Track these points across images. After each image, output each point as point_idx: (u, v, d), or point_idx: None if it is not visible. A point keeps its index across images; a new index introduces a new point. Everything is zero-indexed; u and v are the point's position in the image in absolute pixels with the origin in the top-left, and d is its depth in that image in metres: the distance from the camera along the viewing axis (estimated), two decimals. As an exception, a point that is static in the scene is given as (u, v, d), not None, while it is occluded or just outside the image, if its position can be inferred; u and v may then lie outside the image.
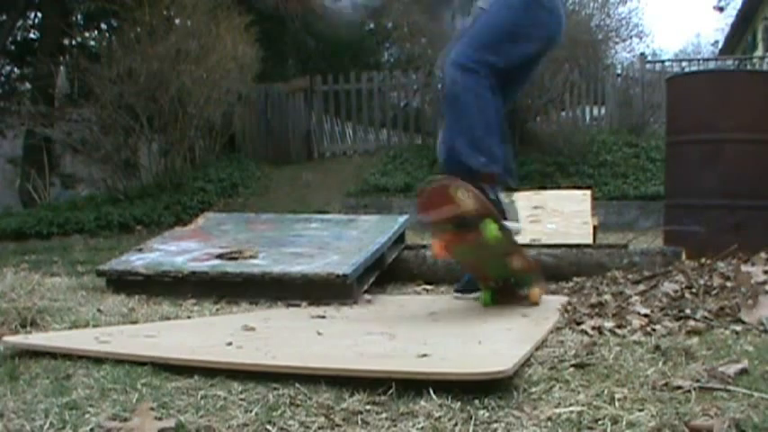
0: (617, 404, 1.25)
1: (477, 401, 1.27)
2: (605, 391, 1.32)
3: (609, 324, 2.02)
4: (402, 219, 3.59)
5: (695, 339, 1.79)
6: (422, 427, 1.17)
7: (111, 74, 7.68)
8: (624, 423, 1.15)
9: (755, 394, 1.27)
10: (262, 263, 3.00)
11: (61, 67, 9.73)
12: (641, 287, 2.53)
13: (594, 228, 4.33)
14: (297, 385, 1.36)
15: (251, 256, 3.09)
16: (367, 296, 2.95)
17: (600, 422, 1.17)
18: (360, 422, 1.20)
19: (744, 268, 2.45)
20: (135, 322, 2.31)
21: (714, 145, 3.92)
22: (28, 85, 10.80)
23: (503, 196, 2.47)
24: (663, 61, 12.81)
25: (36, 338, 1.78)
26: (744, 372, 1.42)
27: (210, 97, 8.05)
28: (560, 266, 3.32)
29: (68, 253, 5.36)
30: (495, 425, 1.18)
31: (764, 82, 4.19)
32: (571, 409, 1.23)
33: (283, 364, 1.43)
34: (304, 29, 12.15)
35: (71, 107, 8.80)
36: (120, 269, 3.01)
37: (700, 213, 3.87)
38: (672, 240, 3.89)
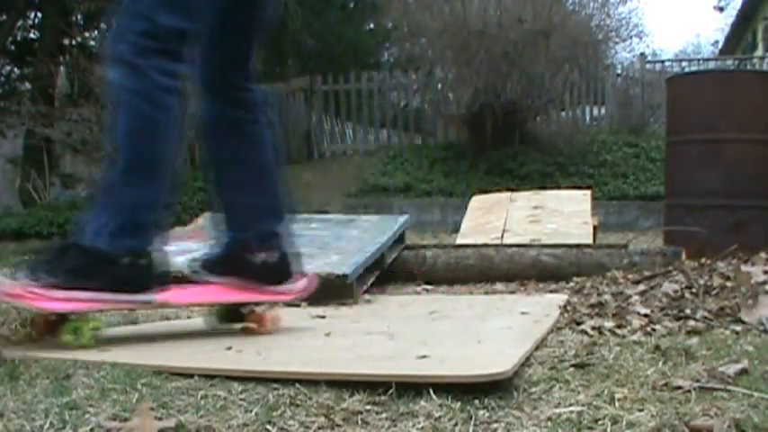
0: (617, 404, 1.25)
1: (477, 401, 1.27)
2: (605, 391, 1.32)
3: (609, 324, 2.02)
4: (402, 219, 3.59)
5: (695, 339, 1.79)
6: (422, 427, 1.17)
7: (111, 74, 7.67)
8: (624, 423, 1.15)
9: (755, 394, 1.27)
10: (262, 263, 2.99)
11: (61, 67, 9.74)
12: (641, 287, 2.54)
13: (594, 228, 4.33)
14: (297, 385, 1.36)
15: (251, 256, 3.08)
16: (367, 296, 2.95)
17: (600, 422, 1.16)
18: (360, 422, 1.20)
19: (744, 268, 2.45)
20: (134, 322, 2.31)
21: (714, 145, 3.93)
22: (28, 85, 10.80)
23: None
24: (663, 61, 12.83)
25: (34, 350, 1.77)
26: (744, 372, 1.42)
27: (210, 97, 8.04)
28: (560, 266, 3.32)
29: (68, 253, 5.36)
30: (495, 425, 1.18)
31: (764, 82, 4.20)
32: (571, 409, 1.23)
33: (282, 369, 1.43)
34: (304, 29, 12.15)
35: (71, 107, 8.80)
36: (120, 269, 3.01)
37: (700, 213, 3.88)
38: (672, 240, 3.89)
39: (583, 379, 1.43)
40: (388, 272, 3.30)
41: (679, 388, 1.33)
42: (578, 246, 3.48)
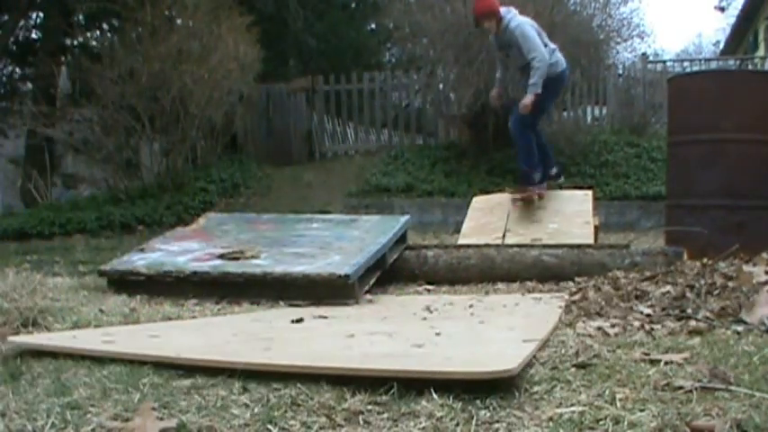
0: (618, 404, 1.25)
1: (478, 401, 1.27)
2: (607, 392, 1.32)
3: (610, 324, 2.02)
4: (404, 219, 3.59)
5: (697, 339, 1.79)
6: (423, 427, 1.17)
7: (112, 74, 7.68)
8: (626, 423, 1.15)
9: (757, 394, 1.27)
10: (263, 263, 3.00)
11: (63, 68, 9.74)
12: (643, 287, 2.53)
13: (596, 228, 4.33)
14: (298, 385, 1.36)
15: (252, 257, 3.09)
16: (368, 296, 2.95)
17: (601, 422, 1.16)
18: (361, 422, 1.21)
19: (745, 268, 2.45)
20: (137, 322, 2.31)
21: (715, 145, 3.92)
22: (30, 86, 10.80)
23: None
24: (664, 61, 12.80)
25: (40, 338, 1.78)
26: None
27: (212, 97, 8.05)
28: (562, 266, 3.32)
29: (70, 253, 5.37)
30: (496, 425, 1.18)
31: (766, 82, 4.19)
32: (573, 409, 1.23)
33: (288, 363, 1.43)
34: (305, 29, 12.15)
35: (73, 107, 8.80)
36: (121, 269, 3.02)
37: (701, 213, 3.87)
38: (673, 241, 3.89)
39: (584, 379, 1.43)
40: (389, 272, 3.30)
41: (680, 388, 1.33)
42: (580, 246, 3.47)
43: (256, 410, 1.25)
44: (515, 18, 4.79)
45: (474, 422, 1.18)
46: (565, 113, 10.08)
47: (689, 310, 2.12)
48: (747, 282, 2.25)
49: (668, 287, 2.43)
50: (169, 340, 1.80)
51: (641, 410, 1.21)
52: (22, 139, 9.88)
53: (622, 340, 1.81)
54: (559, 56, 4.92)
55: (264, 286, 2.84)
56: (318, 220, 3.85)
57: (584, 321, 2.10)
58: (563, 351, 1.70)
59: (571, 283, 3.04)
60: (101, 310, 2.48)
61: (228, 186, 8.76)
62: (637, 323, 2.02)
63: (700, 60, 14.31)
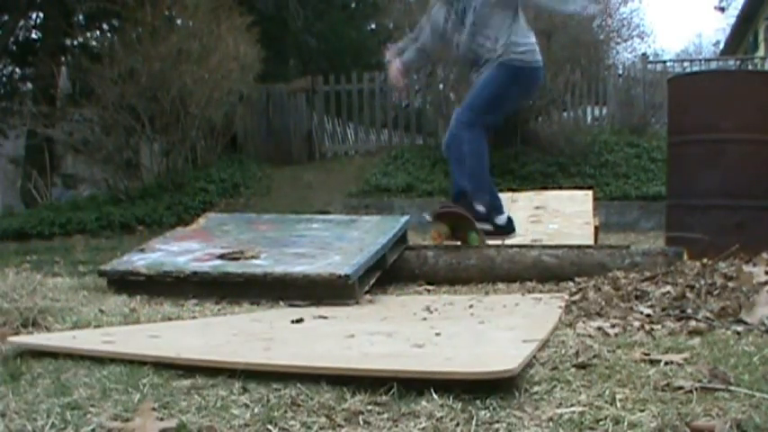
0: (618, 404, 1.25)
1: (478, 402, 1.27)
2: (607, 392, 1.32)
3: (610, 324, 2.02)
4: (404, 219, 3.59)
5: (697, 339, 1.79)
6: (423, 428, 1.17)
7: (112, 74, 7.68)
8: (626, 423, 1.15)
9: (757, 394, 1.27)
10: (263, 263, 3.00)
11: (63, 68, 9.75)
12: (643, 287, 2.53)
13: (596, 228, 4.33)
14: (298, 385, 1.36)
15: (252, 257, 3.09)
16: (368, 296, 2.95)
17: (601, 422, 1.16)
18: (361, 422, 1.21)
19: (745, 268, 2.45)
20: (137, 322, 2.31)
21: (716, 145, 3.92)
22: (29, 86, 10.81)
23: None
24: (664, 61, 12.80)
25: (40, 338, 1.78)
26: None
27: (212, 97, 8.05)
28: (562, 267, 3.32)
29: (70, 253, 5.37)
30: (496, 425, 1.18)
31: (766, 82, 4.19)
32: (573, 409, 1.23)
33: (288, 363, 1.43)
34: (305, 29, 12.15)
35: (73, 107, 8.80)
36: (121, 269, 3.02)
37: (701, 214, 3.87)
38: (674, 241, 3.89)
39: (584, 379, 1.43)
40: (389, 272, 3.29)
41: (680, 388, 1.33)
42: (579, 246, 3.47)
43: (256, 410, 1.25)
44: None
45: (474, 422, 1.18)
46: (565, 113, 10.07)
47: (689, 311, 2.12)
48: (747, 282, 2.25)
49: (668, 287, 2.43)
50: (169, 340, 1.80)
51: (641, 411, 1.21)
52: (22, 139, 9.89)
53: (622, 340, 1.81)
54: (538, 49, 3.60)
55: (264, 286, 2.83)
56: (318, 220, 3.85)
57: (584, 321, 2.10)
58: (563, 351, 1.70)
59: (571, 284, 3.04)
60: (101, 311, 2.48)
61: (228, 186, 8.77)
62: (637, 323, 2.02)
63: (700, 60, 14.32)
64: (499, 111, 3.64)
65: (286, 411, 1.25)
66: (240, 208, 7.84)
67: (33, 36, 11.29)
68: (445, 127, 10.80)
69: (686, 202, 4.05)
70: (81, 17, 10.71)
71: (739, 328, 1.90)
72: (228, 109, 8.66)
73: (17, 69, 11.21)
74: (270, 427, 1.19)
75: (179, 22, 8.59)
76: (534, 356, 1.61)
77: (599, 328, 1.99)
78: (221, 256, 3.09)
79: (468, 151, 3.45)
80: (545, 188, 6.41)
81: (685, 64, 12.23)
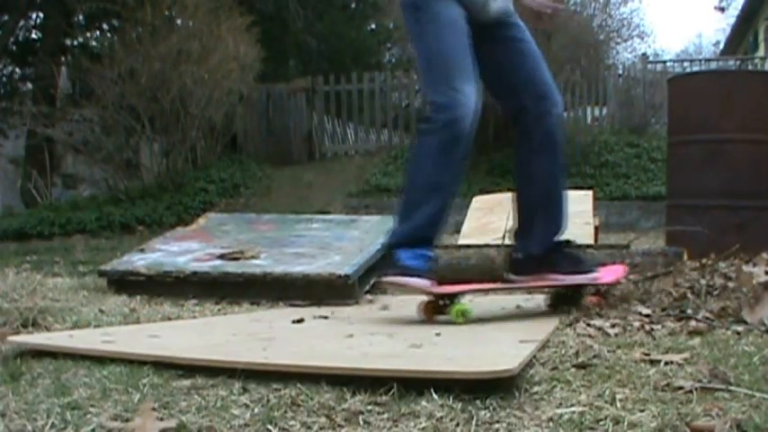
0: (618, 405, 1.25)
1: (478, 402, 1.27)
2: (607, 392, 1.32)
3: (610, 324, 2.02)
4: (403, 219, 3.59)
5: (697, 340, 1.79)
6: (423, 428, 1.17)
7: (112, 74, 7.69)
8: (626, 424, 1.15)
9: (757, 394, 1.27)
10: (263, 263, 3.00)
11: (63, 68, 9.75)
12: (642, 287, 2.53)
13: (596, 228, 4.32)
14: (298, 385, 1.36)
15: (252, 257, 3.09)
16: (368, 296, 2.95)
17: (601, 422, 1.16)
18: (361, 422, 1.20)
19: (745, 269, 2.45)
20: (137, 322, 2.31)
21: (716, 145, 3.92)
22: (30, 86, 10.82)
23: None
24: (664, 61, 12.82)
25: (40, 338, 1.79)
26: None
27: (212, 98, 8.06)
28: (562, 267, 3.31)
29: (70, 253, 5.37)
30: (496, 425, 1.18)
31: (766, 82, 4.19)
32: (573, 409, 1.23)
33: (288, 363, 1.43)
34: (305, 29, 12.15)
35: (73, 107, 8.82)
36: (121, 269, 3.02)
37: (701, 214, 3.87)
38: (674, 241, 3.89)
39: (584, 379, 1.43)
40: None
41: (680, 388, 1.33)
42: (579, 246, 3.47)
43: (256, 410, 1.25)
44: None
45: (474, 422, 1.18)
46: (565, 114, 10.09)
47: (689, 311, 2.12)
48: (747, 282, 2.25)
49: (668, 287, 2.43)
50: (169, 340, 1.80)
51: (641, 411, 1.21)
52: (22, 139, 9.89)
53: (622, 340, 1.81)
54: None
55: (264, 286, 2.84)
56: (318, 220, 3.85)
57: (584, 322, 2.10)
58: (563, 351, 1.70)
59: (571, 284, 3.04)
60: (101, 311, 2.48)
61: (228, 186, 8.77)
62: (637, 323, 2.02)
63: (700, 60, 14.32)
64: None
65: (286, 411, 1.25)
66: (240, 208, 7.85)
67: (33, 36, 11.30)
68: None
69: (686, 202, 4.05)
70: (81, 17, 10.72)
71: (739, 328, 1.90)
72: (228, 109, 8.66)
73: (17, 69, 11.22)
74: (270, 427, 1.19)
75: (179, 22, 8.60)
76: (534, 356, 1.61)
77: (599, 328, 1.99)
78: (221, 257, 3.09)
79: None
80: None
81: (685, 64, 12.24)
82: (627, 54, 11.13)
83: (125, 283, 2.96)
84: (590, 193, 4.78)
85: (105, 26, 10.62)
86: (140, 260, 3.09)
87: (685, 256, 3.28)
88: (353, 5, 14.67)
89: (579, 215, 4.40)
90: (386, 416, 1.23)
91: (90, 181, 9.06)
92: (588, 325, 2.03)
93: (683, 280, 2.50)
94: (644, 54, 11.26)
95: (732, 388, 1.32)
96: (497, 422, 1.19)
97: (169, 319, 2.42)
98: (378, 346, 1.69)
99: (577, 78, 9.74)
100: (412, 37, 2.46)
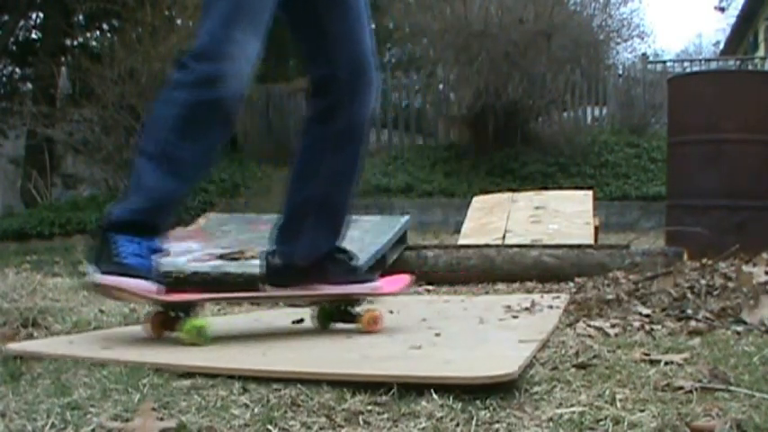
0: (618, 405, 1.25)
1: (478, 402, 1.27)
2: (607, 392, 1.32)
3: (610, 324, 2.02)
4: (404, 219, 3.59)
5: (697, 340, 1.79)
6: (423, 428, 1.17)
7: (112, 74, 7.70)
8: (626, 424, 1.15)
9: (757, 394, 1.27)
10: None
11: (63, 68, 9.75)
12: (642, 287, 2.53)
13: (596, 228, 4.33)
14: (298, 386, 1.36)
15: (252, 257, 3.09)
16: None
17: (601, 423, 1.16)
18: (361, 422, 1.21)
19: (745, 269, 2.45)
20: (137, 323, 2.31)
21: (715, 145, 3.93)
22: (29, 86, 10.81)
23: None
24: (664, 61, 12.83)
25: (39, 345, 1.78)
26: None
27: (212, 98, 8.06)
28: (562, 267, 3.32)
29: (70, 253, 5.38)
30: (496, 425, 1.18)
31: (765, 82, 4.20)
32: (573, 409, 1.23)
33: (287, 369, 1.43)
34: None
35: (73, 107, 8.82)
36: (121, 269, 3.01)
37: (701, 214, 3.88)
38: (674, 241, 3.89)
39: (584, 379, 1.43)
40: (389, 272, 3.29)
41: (680, 388, 1.33)
42: (579, 246, 3.48)
43: (256, 411, 1.26)
44: None
45: (474, 422, 1.19)
46: (565, 114, 10.09)
47: (689, 311, 2.12)
48: (747, 282, 2.25)
49: (668, 287, 2.43)
50: (167, 344, 1.80)
51: (641, 411, 1.21)
52: (22, 139, 9.89)
53: (622, 340, 1.82)
54: None
55: (264, 286, 2.83)
56: (318, 220, 3.85)
57: (584, 322, 2.10)
58: (563, 351, 1.70)
59: (571, 284, 3.05)
60: (101, 311, 2.48)
61: (228, 186, 8.78)
62: (637, 323, 2.02)
63: (700, 61, 14.33)
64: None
65: (286, 411, 1.25)
66: (240, 208, 7.85)
67: (33, 36, 11.30)
68: (445, 127, 10.77)
69: (686, 202, 4.06)
70: (81, 17, 10.72)
71: (739, 328, 1.90)
72: (228, 109, 8.66)
73: (17, 69, 11.21)
74: (270, 427, 1.19)
75: (179, 22, 8.60)
76: (534, 357, 1.61)
77: (599, 329, 1.99)
78: (221, 257, 3.10)
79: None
80: (545, 188, 6.41)
81: (685, 64, 12.25)
82: (627, 54, 11.14)
83: (125, 284, 2.96)
84: (590, 193, 4.79)
85: (105, 26, 10.62)
86: (140, 260, 3.09)
87: (685, 257, 3.29)
88: (353, 5, 14.68)
89: (579, 215, 4.41)
90: (386, 416, 1.23)
91: (90, 181, 9.06)
92: (588, 325, 2.04)
93: (683, 280, 2.50)
94: (644, 54, 11.28)
95: (732, 388, 1.32)
96: (497, 422, 1.19)
97: (169, 319, 2.41)
98: (377, 349, 1.69)
99: (577, 78, 9.74)
100: None
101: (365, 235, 3.35)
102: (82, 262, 4.57)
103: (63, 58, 10.25)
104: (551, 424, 1.17)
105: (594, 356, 1.62)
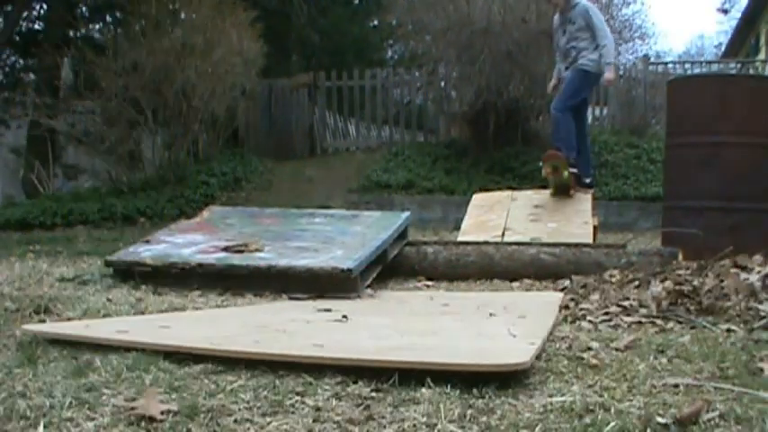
0: (607, 395, 1.31)
1: (475, 390, 1.34)
2: (597, 384, 1.39)
3: (603, 320, 2.08)
4: (405, 215, 3.65)
5: (687, 337, 1.85)
6: (423, 413, 1.23)
7: (116, 66, 7.73)
8: (613, 411, 1.21)
9: (736, 389, 1.33)
10: (267, 256, 3.06)
11: (66, 59, 9.77)
12: (637, 286, 2.59)
13: (595, 228, 4.38)
14: (303, 374, 1.42)
15: (256, 250, 3.15)
16: (369, 290, 3.01)
17: (591, 410, 1.23)
18: (364, 407, 1.27)
19: (737, 270, 2.51)
20: (144, 312, 2.37)
21: (712, 148, 3.97)
22: (32, 76, 10.84)
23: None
24: (666, 63, 12.85)
25: (56, 327, 1.84)
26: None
27: (215, 91, 8.10)
28: (559, 265, 3.37)
29: (72, 244, 5.43)
30: (492, 412, 1.25)
31: (763, 86, 4.25)
32: (564, 398, 1.29)
33: (304, 354, 1.48)
34: (309, 25, 12.18)
35: (75, 99, 8.84)
36: (128, 260, 3.07)
37: (697, 215, 3.93)
38: (670, 241, 3.95)
39: (576, 372, 1.49)
40: (390, 267, 3.35)
41: (669, 383, 1.39)
42: (577, 245, 3.53)
43: (264, 394, 1.32)
44: None
45: (471, 409, 1.25)
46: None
47: (681, 309, 2.18)
48: (739, 283, 2.31)
49: (662, 287, 2.48)
50: (180, 331, 1.86)
51: (630, 401, 1.28)
52: (25, 129, 9.91)
53: (614, 336, 1.88)
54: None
55: (268, 279, 2.89)
56: (321, 215, 3.91)
57: (578, 318, 2.16)
58: (557, 345, 1.76)
59: (568, 282, 3.10)
60: (108, 300, 2.54)
61: (230, 180, 8.82)
62: (629, 320, 2.08)
63: (701, 62, 14.35)
64: (577, 98, 4.95)
65: (293, 396, 1.31)
66: (241, 202, 7.89)
67: (37, 27, 11.31)
68: (446, 124, 10.77)
69: (682, 204, 4.10)
70: (85, 9, 10.74)
71: (728, 327, 1.96)
72: (231, 103, 8.70)
73: (20, 60, 11.23)
74: (278, 409, 1.25)
75: (183, 15, 8.64)
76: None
77: (593, 325, 2.05)
78: (226, 249, 3.15)
79: (562, 127, 4.81)
80: (544, 187, 6.45)
81: (687, 66, 12.28)
82: (628, 55, 11.15)
83: (131, 274, 3.02)
84: (589, 192, 4.84)
85: (109, 18, 10.64)
86: (146, 251, 3.15)
87: (680, 257, 3.34)
88: (356, 2, 14.69)
89: (578, 214, 4.46)
90: (388, 401, 1.29)
91: (91, 172, 9.09)
92: (582, 321, 2.10)
93: (677, 280, 2.56)
94: (645, 55, 11.29)
95: (716, 384, 1.38)
96: (493, 409, 1.26)
97: (175, 309, 2.47)
98: (384, 340, 1.74)
99: (578, 78, 9.77)
100: None
101: (367, 230, 3.40)
102: (85, 252, 4.63)
103: (66, 50, 10.27)
104: (544, 411, 1.24)
105: (587, 350, 1.69)
